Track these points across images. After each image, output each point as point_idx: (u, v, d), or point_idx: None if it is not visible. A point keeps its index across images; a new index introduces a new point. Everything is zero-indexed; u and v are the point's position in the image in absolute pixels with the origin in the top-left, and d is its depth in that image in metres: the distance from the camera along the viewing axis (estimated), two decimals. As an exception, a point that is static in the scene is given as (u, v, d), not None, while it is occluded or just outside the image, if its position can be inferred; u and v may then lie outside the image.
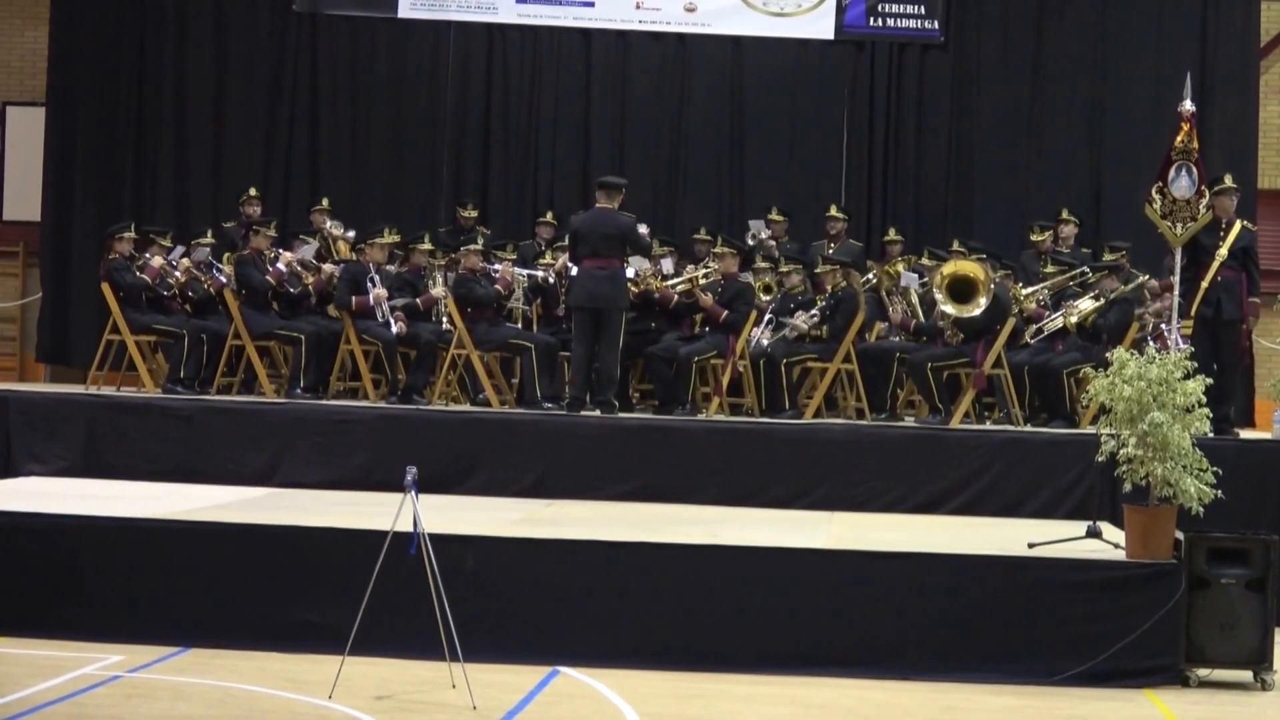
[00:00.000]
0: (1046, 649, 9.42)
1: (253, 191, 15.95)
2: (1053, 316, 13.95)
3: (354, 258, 14.82)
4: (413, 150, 17.56)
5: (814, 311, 14.15)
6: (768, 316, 14.32)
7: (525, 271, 14.76)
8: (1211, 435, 10.10)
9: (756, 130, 17.36)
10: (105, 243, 14.86)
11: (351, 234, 15.49)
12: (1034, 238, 15.40)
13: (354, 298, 14.04)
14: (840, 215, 15.83)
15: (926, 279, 14.31)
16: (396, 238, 14.68)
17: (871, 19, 17.15)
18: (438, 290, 14.45)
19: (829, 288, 14.25)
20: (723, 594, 9.59)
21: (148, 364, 14.50)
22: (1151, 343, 12.56)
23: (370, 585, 8.62)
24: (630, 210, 14.04)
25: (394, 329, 13.96)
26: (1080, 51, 17.11)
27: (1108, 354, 10.23)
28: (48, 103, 17.67)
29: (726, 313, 13.96)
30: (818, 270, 14.52)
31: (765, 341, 14.14)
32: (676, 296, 14.28)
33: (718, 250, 14.48)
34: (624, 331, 13.56)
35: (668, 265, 14.67)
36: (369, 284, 14.09)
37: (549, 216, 16.07)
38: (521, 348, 13.97)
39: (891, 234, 16.13)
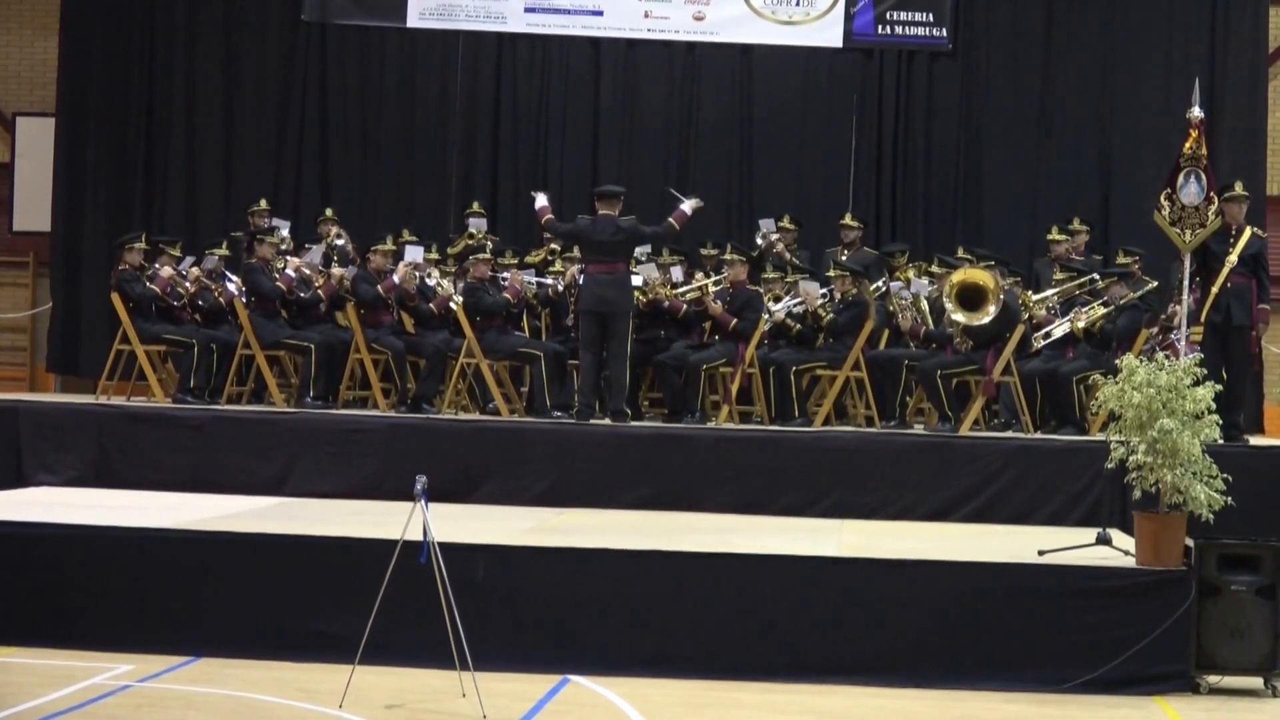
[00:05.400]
0: (1057, 656, 9.41)
1: (263, 204, 15.98)
2: (1060, 321, 13.94)
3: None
4: (422, 159, 17.58)
5: (824, 291, 14.18)
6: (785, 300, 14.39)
7: (535, 280, 14.78)
8: (1221, 442, 10.11)
9: (765, 138, 17.37)
10: (115, 253, 14.87)
11: (342, 240, 15.53)
12: (1051, 237, 15.28)
13: (379, 286, 14.11)
14: (854, 224, 15.81)
15: (935, 285, 14.31)
16: (394, 247, 14.71)
17: (880, 27, 17.16)
18: (446, 289, 14.49)
19: (839, 295, 14.25)
20: (733, 602, 9.59)
21: (158, 374, 14.52)
22: (1160, 350, 12.56)
23: (381, 594, 8.63)
24: (639, 219, 14.08)
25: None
26: (1089, 58, 17.11)
27: (1117, 361, 10.22)
28: (58, 113, 17.73)
29: (736, 320, 13.97)
30: (830, 274, 14.53)
31: (783, 313, 14.14)
32: (686, 306, 14.30)
33: (727, 257, 14.50)
34: (633, 339, 13.60)
35: (677, 273, 14.68)
36: (388, 274, 14.19)
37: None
38: (531, 356, 13.98)
39: (897, 254, 15.94)
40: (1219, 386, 9.76)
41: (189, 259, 14.95)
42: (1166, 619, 9.34)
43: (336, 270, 14.72)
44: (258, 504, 11.97)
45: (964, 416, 13.43)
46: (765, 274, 14.83)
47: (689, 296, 14.35)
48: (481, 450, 12.81)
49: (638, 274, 14.13)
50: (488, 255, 14.45)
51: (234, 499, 12.12)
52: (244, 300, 14.34)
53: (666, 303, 14.31)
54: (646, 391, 14.67)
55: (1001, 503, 12.42)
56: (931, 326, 14.13)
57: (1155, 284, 14.27)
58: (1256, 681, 9.47)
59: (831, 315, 14.09)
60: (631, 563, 9.74)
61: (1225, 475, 9.58)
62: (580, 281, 13.92)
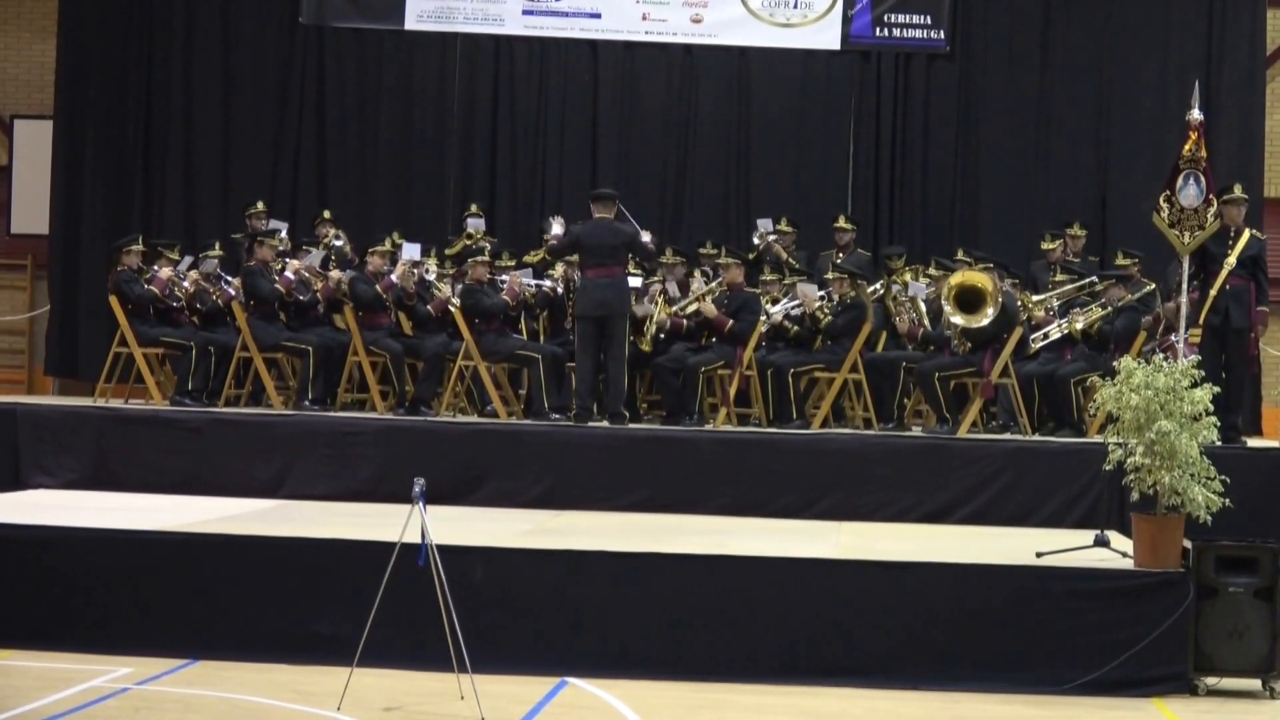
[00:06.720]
0: (1055, 658, 9.41)
1: (260, 206, 15.98)
2: (1055, 323, 13.95)
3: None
4: (420, 162, 17.56)
5: (822, 294, 14.16)
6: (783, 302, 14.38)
7: (533, 282, 14.78)
8: (1219, 443, 10.11)
9: (763, 141, 17.36)
10: (113, 255, 14.89)
11: (340, 241, 15.53)
12: (1045, 245, 15.36)
13: (377, 285, 14.12)
14: (848, 226, 15.81)
15: (933, 287, 14.31)
16: (391, 248, 14.71)
17: (878, 29, 17.16)
18: (444, 291, 14.50)
19: (837, 297, 14.25)
20: (730, 604, 9.59)
21: (156, 376, 14.51)
22: (1159, 351, 12.56)
23: (379, 597, 8.63)
24: (637, 221, 14.08)
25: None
26: (1086, 60, 17.11)
27: (1115, 363, 10.23)
28: (56, 116, 17.72)
29: (732, 322, 13.96)
30: (827, 276, 14.53)
31: (781, 315, 14.12)
32: (687, 323, 14.24)
33: (722, 260, 14.49)
34: (631, 342, 13.60)
35: (672, 288, 14.63)
36: (385, 274, 14.23)
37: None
38: (529, 359, 13.98)
39: (894, 256, 15.95)
40: (1217, 388, 9.76)
41: (187, 261, 14.95)
42: (1164, 621, 9.35)
43: (335, 273, 14.71)
44: (256, 506, 11.98)
45: (962, 418, 13.44)
46: (763, 276, 14.83)
47: (689, 310, 14.30)
48: (479, 452, 12.80)
49: (635, 276, 14.12)
50: (486, 257, 14.45)
51: (232, 501, 12.12)
52: (242, 302, 14.33)
53: (669, 323, 14.24)
54: (644, 394, 14.67)
55: (999, 505, 12.42)
56: (929, 328, 14.13)
57: (1153, 286, 14.28)
58: (1254, 683, 9.47)
59: (829, 317, 14.08)
60: (629, 565, 9.75)
61: (1223, 477, 9.59)
62: (578, 283, 13.93)
